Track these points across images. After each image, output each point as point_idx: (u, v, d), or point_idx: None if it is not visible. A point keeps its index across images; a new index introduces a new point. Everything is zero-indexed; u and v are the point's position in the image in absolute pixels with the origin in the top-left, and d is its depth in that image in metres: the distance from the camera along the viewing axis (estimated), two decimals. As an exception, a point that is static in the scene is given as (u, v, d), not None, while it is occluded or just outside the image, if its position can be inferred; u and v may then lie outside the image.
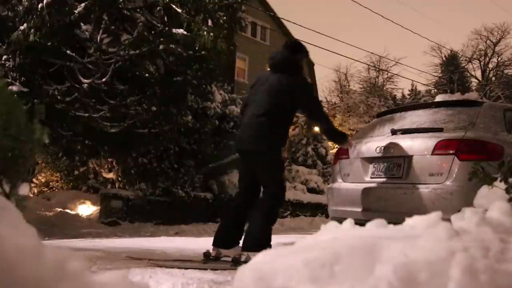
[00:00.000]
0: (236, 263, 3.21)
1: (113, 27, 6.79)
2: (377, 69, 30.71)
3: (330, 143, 16.81)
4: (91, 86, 6.74)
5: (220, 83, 11.72)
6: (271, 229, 3.48)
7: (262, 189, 3.62)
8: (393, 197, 3.58)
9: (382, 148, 3.74)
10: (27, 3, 6.08)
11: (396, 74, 29.74)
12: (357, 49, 45.72)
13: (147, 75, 7.33)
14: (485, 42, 30.51)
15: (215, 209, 10.79)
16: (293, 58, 3.62)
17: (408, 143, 3.63)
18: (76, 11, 6.28)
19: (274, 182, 3.53)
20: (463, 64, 33.04)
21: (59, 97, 6.72)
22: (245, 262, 2.84)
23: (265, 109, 3.47)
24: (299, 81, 3.58)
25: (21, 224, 0.94)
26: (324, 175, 14.66)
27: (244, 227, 3.62)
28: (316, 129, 15.39)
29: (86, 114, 7.02)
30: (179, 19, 6.88)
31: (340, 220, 1.50)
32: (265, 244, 3.21)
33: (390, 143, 3.72)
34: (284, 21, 20.76)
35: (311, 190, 13.69)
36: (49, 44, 6.32)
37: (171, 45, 6.90)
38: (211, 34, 6.58)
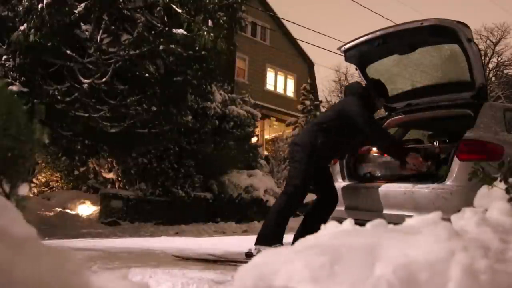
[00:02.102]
0: (249, 257, 3.29)
1: (113, 27, 6.79)
2: (377, 69, 30.63)
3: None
4: (91, 86, 6.74)
5: (220, 83, 11.72)
6: (282, 226, 3.55)
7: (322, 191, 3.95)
8: (393, 197, 3.58)
9: None
10: (27, 3, 6.08)
11: (396, 74, 29.64)
12: (357, 49, 45.54)
13: (147, 75, 7.33)
14: (485, 42, 30.42)
15: (215, 209, 10.78)
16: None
17: None
18: (76, 11, 6.28)
19: (293, 181, 3.67)
20: (463, 64, 32.94)
21: (59, 97, 6.72)
22: None
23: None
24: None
25: (21, 224, 0.94)
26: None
27: (315, 229, 3.64)
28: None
29: (86, 114, 7.02)
30: (179, 19, 6.88)
31: (340, 220, 1.50)
32: (274, 240, 3.35)
33: None
34: (284, 21, 20.77)
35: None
36: (49, 44, 6.33)
37: (171, 45, 6.90)
38: (211, 34, 6.59)
